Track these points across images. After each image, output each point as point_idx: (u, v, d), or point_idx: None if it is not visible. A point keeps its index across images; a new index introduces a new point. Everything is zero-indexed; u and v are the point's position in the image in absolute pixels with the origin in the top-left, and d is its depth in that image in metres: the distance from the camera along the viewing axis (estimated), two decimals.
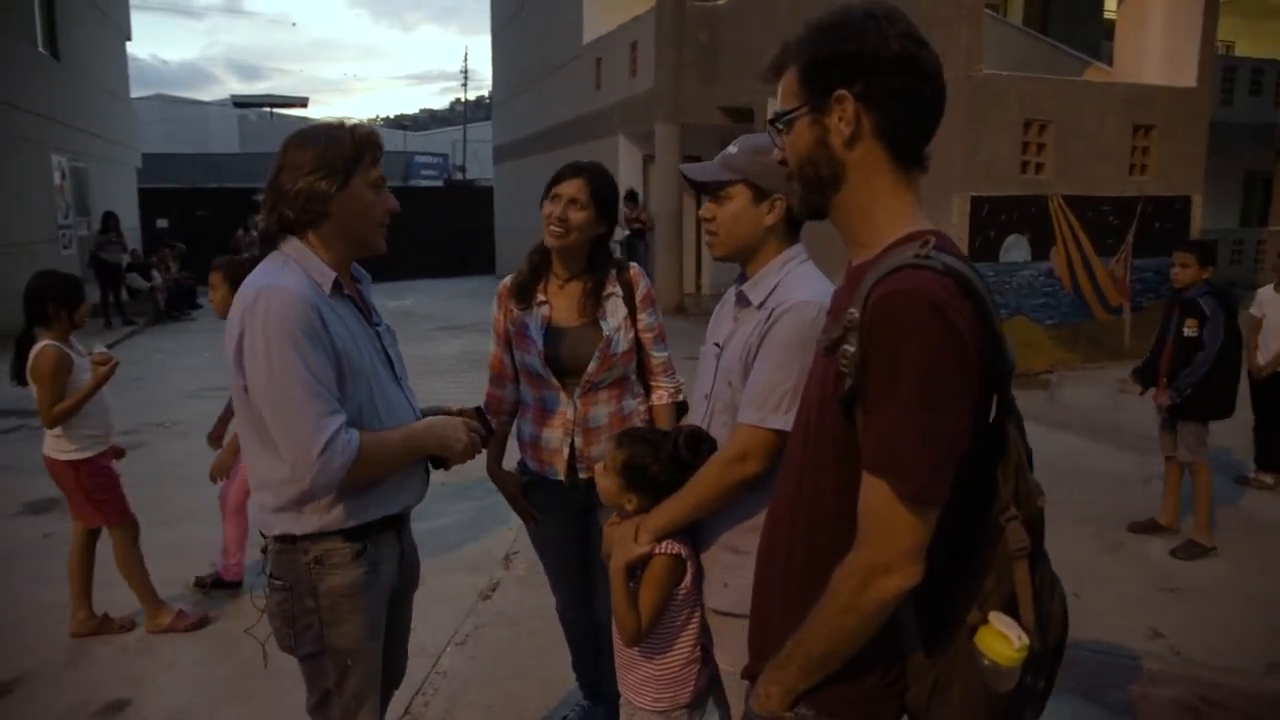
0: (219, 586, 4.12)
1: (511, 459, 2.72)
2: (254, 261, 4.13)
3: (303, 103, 39.76)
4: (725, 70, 12.47)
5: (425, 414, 2.06)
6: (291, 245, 1.88)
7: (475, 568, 4.34)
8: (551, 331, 2.52)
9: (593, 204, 2.45)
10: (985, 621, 1.24)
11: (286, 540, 1.90)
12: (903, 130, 1.28)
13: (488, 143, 29.09)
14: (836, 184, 1.31)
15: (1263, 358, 5.57)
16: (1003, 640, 1.21)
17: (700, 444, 1.92)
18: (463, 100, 53.41)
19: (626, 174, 14.71)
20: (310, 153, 1.83)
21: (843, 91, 1.26)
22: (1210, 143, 10.34)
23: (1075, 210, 9.34)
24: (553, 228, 2.45)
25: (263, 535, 1.98)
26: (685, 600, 1.99)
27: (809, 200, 1.36)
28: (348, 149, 1.85)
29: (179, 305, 15.22)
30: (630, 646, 1.98)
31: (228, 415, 4.14)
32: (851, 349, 1.19)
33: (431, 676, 3.36)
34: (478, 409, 2.18)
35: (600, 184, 2.48)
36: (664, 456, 1.91)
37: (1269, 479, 5.58)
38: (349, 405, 1.84)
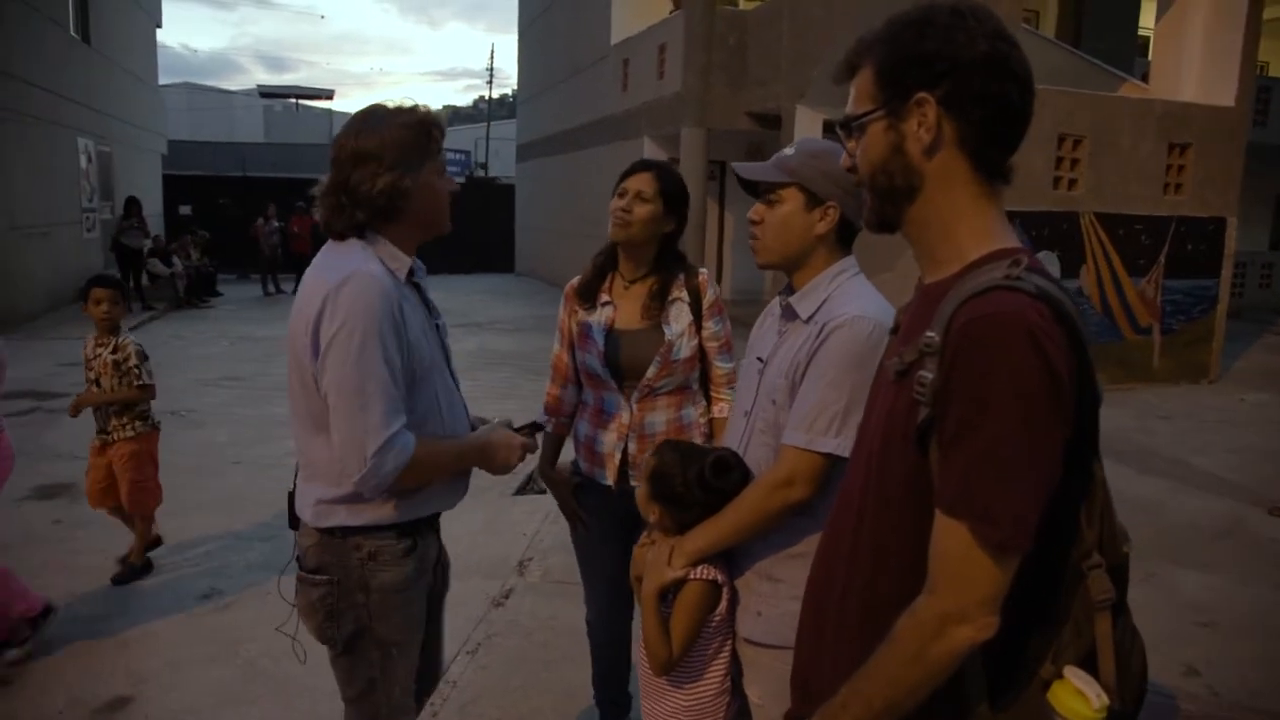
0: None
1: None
2: None
3: (328, 95, 39.91)
4: (753, 75, 12.35)
5: (474, 424, 2.02)
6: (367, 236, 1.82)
7: (489, 574, 4.24)
8: (613, 333, 2.47)
9: (659, 198, 2.39)
10: (1060, 676, 1.14)
11: (336, 534, 1.83)
12: (987, 140, 1.17)
13: (511, 140, 29.06)
14: (912, 195, 1.20)
15: None
16: (1080, 699, 1.11)
17: (728, 471, 1.81)
18: (486, 98, 53.46)
19: None
20: (383, 145, 1.75)
21: (924, 95, 1.15)
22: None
23: (1107, 228, 9.17)
24: (616, 216, 2.40)
25: (293, 527, 1.92)
26: (719, 628, 1.88)
27: (881, 211, 1.25)
28: (419, 137, 1.80)
29: (199, 292, 15.24)
30: (660, 675, 1.88)
31: None
32: (930, 376, 1.08)
33: (440, 686, 3.26)
34: (535, 424, 2.19)
35: (668, 181, 2.42)
36: (690, 475, 1.81)
37: None
38: (417, 403, 1.79)
